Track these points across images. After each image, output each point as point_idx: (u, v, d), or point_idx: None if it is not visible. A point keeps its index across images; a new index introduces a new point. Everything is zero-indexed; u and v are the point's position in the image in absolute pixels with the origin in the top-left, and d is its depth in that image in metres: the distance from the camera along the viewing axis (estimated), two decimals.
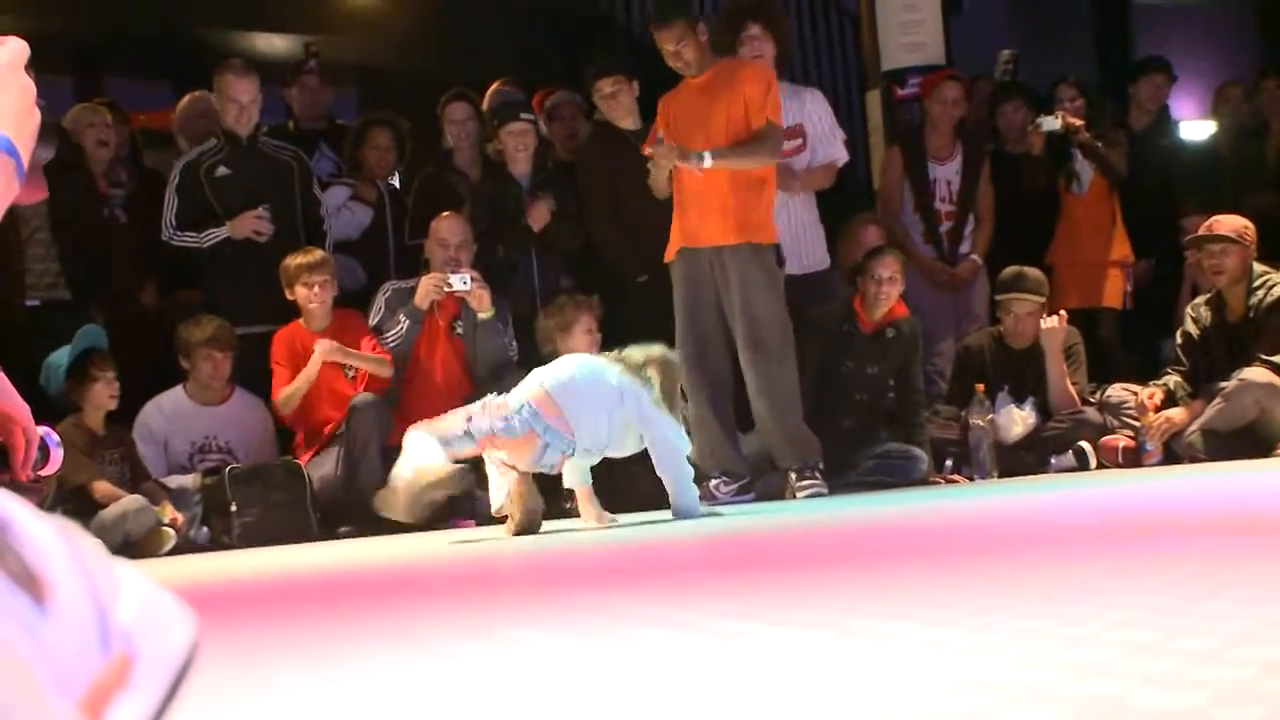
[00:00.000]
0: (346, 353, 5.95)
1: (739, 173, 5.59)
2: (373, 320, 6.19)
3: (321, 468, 5.90)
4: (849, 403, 6.12)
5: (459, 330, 6.18)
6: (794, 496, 5.50)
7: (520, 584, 2.85)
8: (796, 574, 2.40)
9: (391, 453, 5.93)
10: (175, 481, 5.87)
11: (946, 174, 6.90)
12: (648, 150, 5.58)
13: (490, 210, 6.45)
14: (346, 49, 9.35)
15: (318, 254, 6.02)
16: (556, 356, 5.98)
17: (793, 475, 5.56)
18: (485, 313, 6.07)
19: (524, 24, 9.66)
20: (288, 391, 5.94)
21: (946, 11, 7.76)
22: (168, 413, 6.08)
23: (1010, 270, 6.35)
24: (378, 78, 9.54)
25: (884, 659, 1.29)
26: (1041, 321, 6.15)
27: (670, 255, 5.72)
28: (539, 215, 6.41)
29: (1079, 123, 6.83)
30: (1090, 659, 1.16)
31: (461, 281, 5.92)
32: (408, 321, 6.08)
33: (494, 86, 7.44)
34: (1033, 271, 6.32)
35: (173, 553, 5.40)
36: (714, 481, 5.55)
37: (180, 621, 0.99)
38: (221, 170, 6.28)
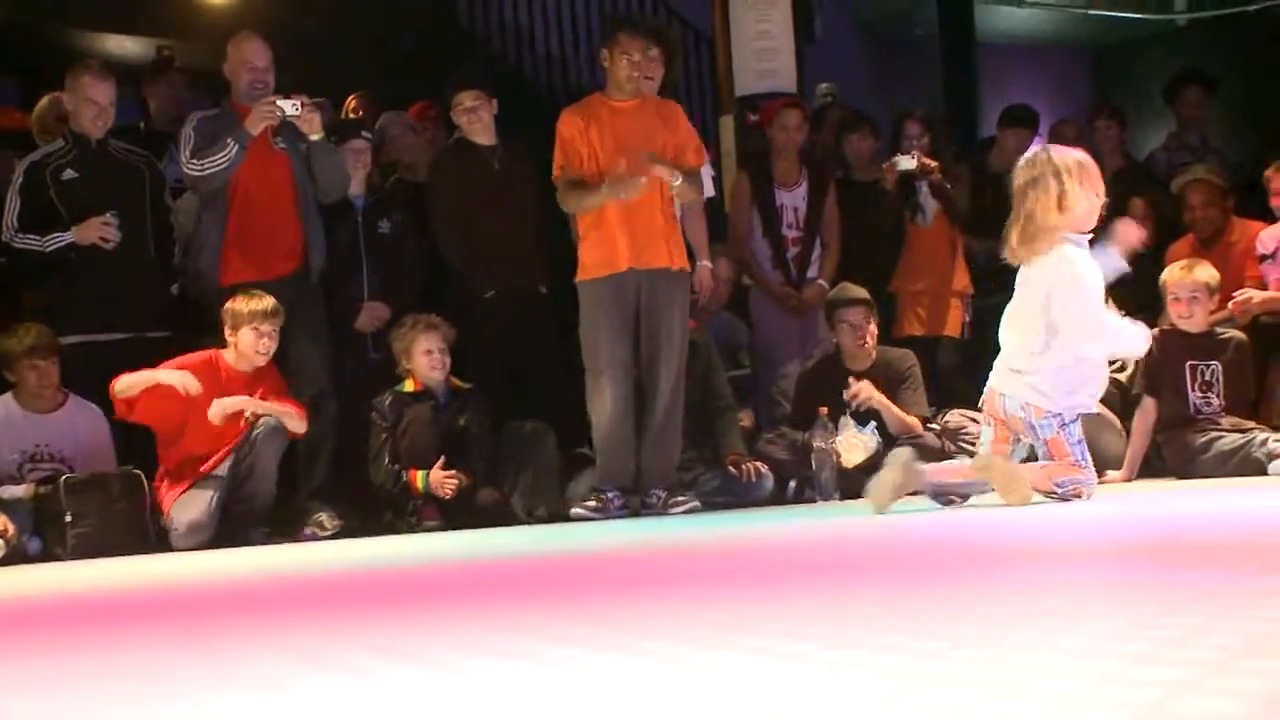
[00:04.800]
0: (265, 406, 5.77)
1: (670, 201, 5.77)
2: (184, 152, 6.03)
3: (189, 511, 5.65)
4: None
5: (280, 144, 6.12)
6: (664, 513, 5.71)
7: (340, 601, 2.84)
8: (640, 596, 2.43)
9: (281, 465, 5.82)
10: (8, 491, 5.71)
11: (793, 200, 7.04)
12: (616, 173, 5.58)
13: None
14: (200, 54, 9.18)
15: (270, 301, 5.82)
16: (406, 375, 6.05)
17: (664, 493, 5.75)
18: (316, 134, 6.07)
19: (385, 36, 9.61)
20: (130, 380, 5.64)
21: (800, 40, 7.91)
22: None
23: (832, 291, 6.56)
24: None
25: (697, 683, 1.32)
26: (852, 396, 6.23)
27: (590, 275, 5.76)
28: (370, 319, 6.39)
29: (934, 164, 7.02)
30: (941, 670, 1.22)
31: (293, 107, 5.95)
32: (235, 146, 5.96)
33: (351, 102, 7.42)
34: (853, 286, 6.48)
35: (3, 563, 5.25)
36: (610, 493, 5.66)
37: None
38: (68, 173, 6.13)
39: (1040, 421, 4.24)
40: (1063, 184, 4.16)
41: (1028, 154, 4.34)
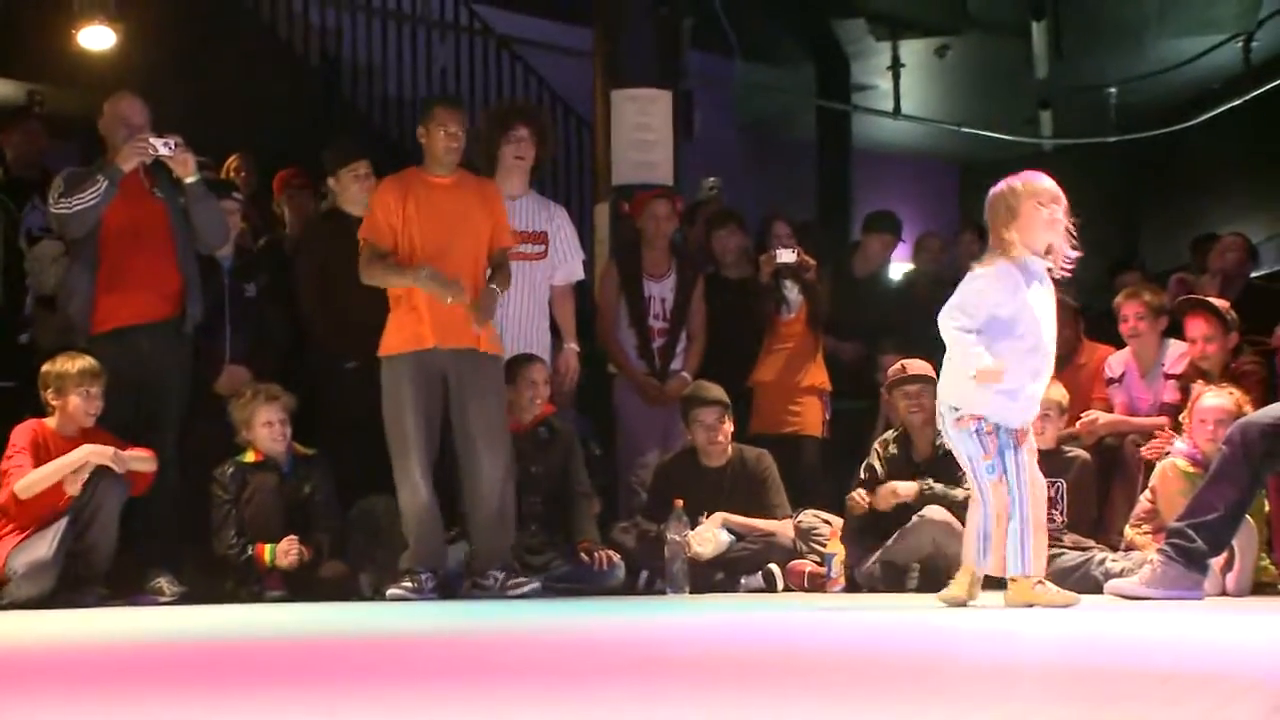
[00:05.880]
0: (118, 457, 5.51)
1: (481, 281, 5.68)
2: (52, 197, 5.84)
3: (30, 553, 5.40)
4: (521, 508, 6.08)
5: (159, 194, 5.95)
6: (504, 594, 5.61)
7: (114, 680, 2.74)
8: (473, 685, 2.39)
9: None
10: None
11: (661, 291, 7.08)
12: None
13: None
14: (72, 101, 9.04)
15: (91, 360, 5.58)
16: (246, 445, 5.94)
17: (500, 575, 5.66)
18: (191, 177, 5.90)
19: (265, 99, 9.54)
20: (36, 478, 5.44)
21: (679, 135, 8.01)
22: None
23: (688, 389, 6.58)
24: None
25: None
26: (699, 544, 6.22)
27: (392, 350, 5.66)
28: (230, 382, 6.26)
29: (812, 262, 7.13)
30: None
31: (166, 146, 5.78)
32: (106, 182, 5.77)
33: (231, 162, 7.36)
34: (709, 385, 6.52)
35: None
36: (424, 575, 5.59)
37: None
38: None
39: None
40: (1016, 204, 4.31)
41: (995, 189, 4.41)
